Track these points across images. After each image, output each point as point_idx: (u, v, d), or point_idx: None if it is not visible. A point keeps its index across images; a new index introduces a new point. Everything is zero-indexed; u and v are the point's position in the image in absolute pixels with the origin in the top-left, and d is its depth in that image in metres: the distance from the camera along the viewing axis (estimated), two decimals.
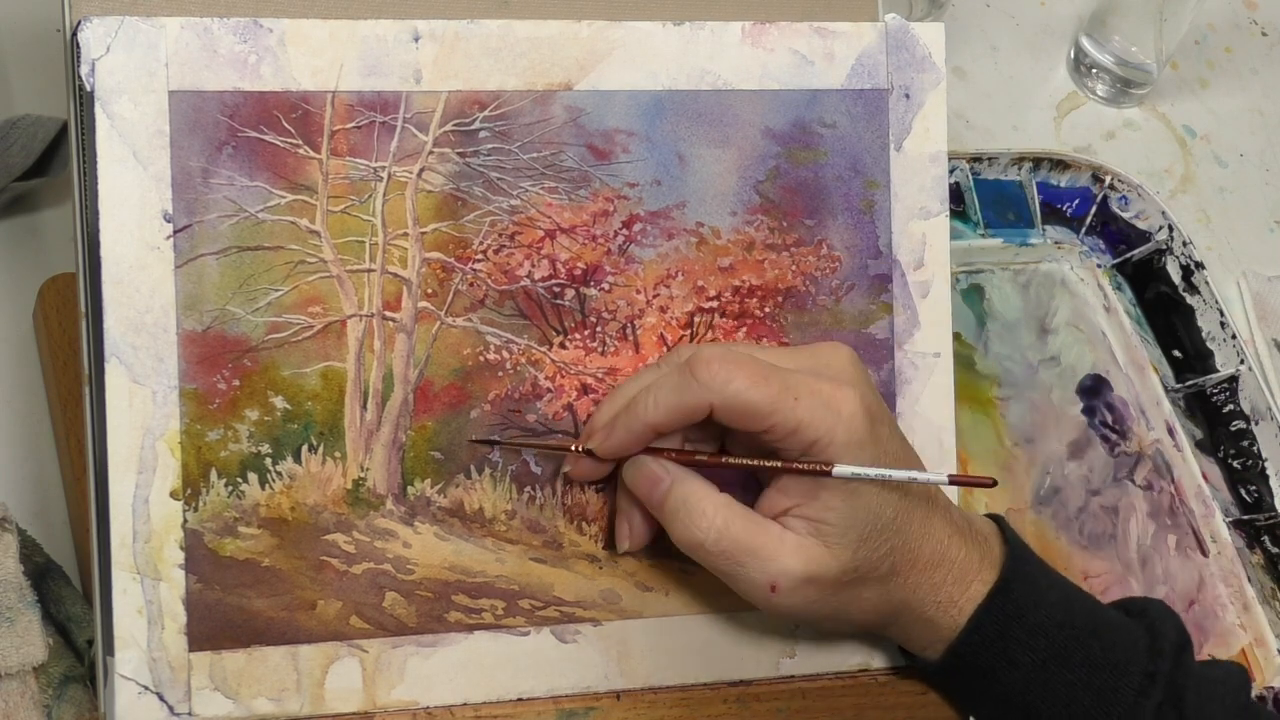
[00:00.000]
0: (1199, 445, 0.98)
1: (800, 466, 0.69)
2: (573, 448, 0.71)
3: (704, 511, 0.69)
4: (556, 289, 0.73)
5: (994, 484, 0.73)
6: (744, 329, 0.75)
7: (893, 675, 0.77)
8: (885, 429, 0.71)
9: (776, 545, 0.69)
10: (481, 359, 0.72)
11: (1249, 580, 0.93)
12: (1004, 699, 0.73)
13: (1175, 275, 1.02)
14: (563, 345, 0.73)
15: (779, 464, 0.69)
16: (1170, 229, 1.02)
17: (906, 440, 0.73)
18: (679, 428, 0.70)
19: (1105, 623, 0.73)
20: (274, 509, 0.69)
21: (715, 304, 0.75)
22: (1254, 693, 0.89)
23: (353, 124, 0.71)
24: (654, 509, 0.71)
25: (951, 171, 1.00)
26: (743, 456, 0.71)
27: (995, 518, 0.76)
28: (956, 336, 0.96)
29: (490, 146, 0.72)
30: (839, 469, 0.68)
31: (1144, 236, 1.03)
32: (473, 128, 0.72)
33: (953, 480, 0.69)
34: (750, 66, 0.76)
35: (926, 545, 0.71)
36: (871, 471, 0.68)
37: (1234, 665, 0.76)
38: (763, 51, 0.76)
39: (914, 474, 0.69)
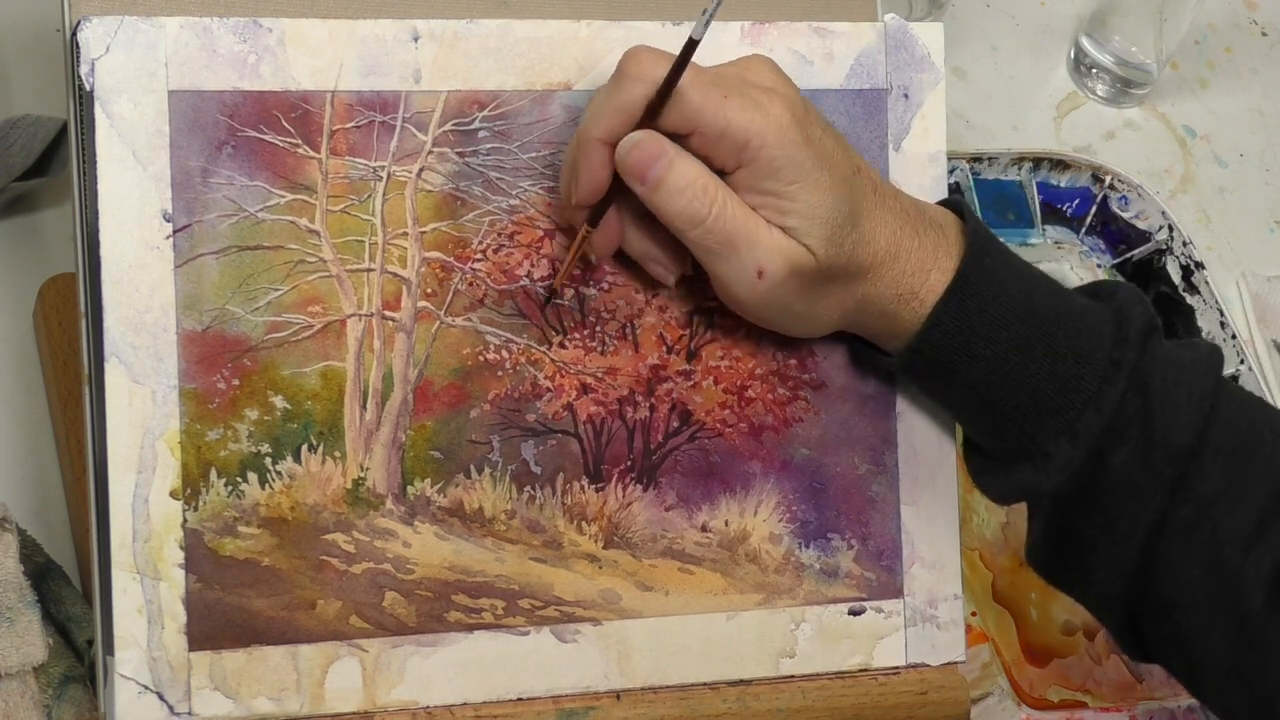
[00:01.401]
0: None
1: (680, 58, 0.67)
2: (585, 229, 0.70)
3: (707, 188, 0.68)
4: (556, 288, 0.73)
5: None
6: (743, 328, 0.75)
7: (893, 675, 0.77)
8: (816, 129, 0.70)
9: (766, 234, 0.69)
10: (481, 358, 0.72)
11: None
12: (967, 389, 0.73)
13: (1175, 275, 1.02)
14: (562, 345, 0.73)
15: (670, 70, 0.67)
16: (1170, 229, 1.02)
17: (841, 136, 0.72)
18: (622, 134, 0.68)
19: (1070, 310, 0.72)
20: (274, 508, 0.69)
21: (714, 303, 0.75)
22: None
23: (352, 123, 0.71)
24: (650, 189, 0.68)
25: (951, 171, 1.00)
26: None
27: (955, 203, 0.75)
28: None
29: (489, 146, 0.73)
30: (696, 29, 0.66)
31: (1144, 236, 1.03)
32: (472, 127, 0.72)
33: None
34: None
35: (880, 237, 0.71)
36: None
37: (1206, 344, 0.74)
38: (762, 51, 0.76)
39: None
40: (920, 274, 0.71)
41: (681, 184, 0.68)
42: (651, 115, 0.68)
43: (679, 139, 0.68)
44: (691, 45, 0.66)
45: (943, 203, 0.76)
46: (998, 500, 0.77)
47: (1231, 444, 0.71)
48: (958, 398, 0.74)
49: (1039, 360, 0.71)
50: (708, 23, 0.66)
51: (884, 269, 0.71)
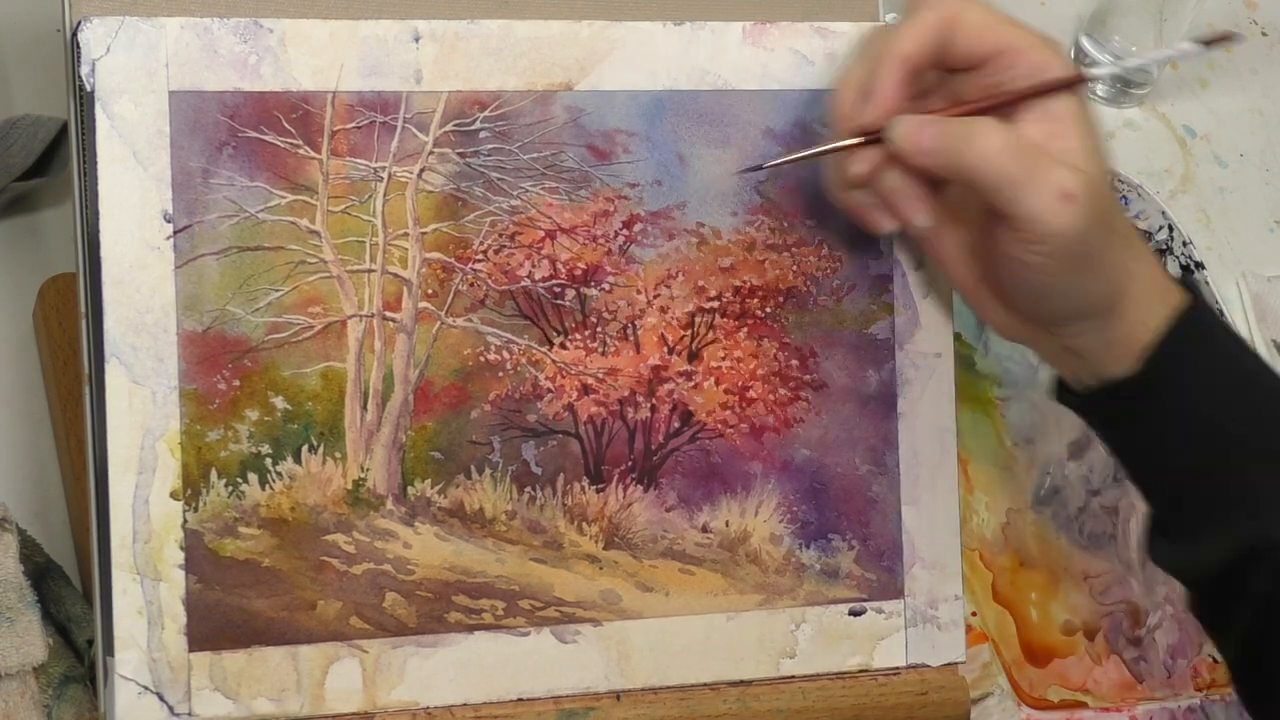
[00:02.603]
0: None
1: (1063, 79, 0.69)
2: (861, 138, 0.70)
3: (989, 125, 0.68)
4: (557, 289, 0.73)
5: (1232, 37, 0.72)
6: (745, 329, 0.75)
7: (893, 676, 0.77)
8: None
9: (1058, 161, 0.68)
10: (482, 359, 0.72)
11: None
12: (1190, 423, 0.70)
13: (1175, 275, 1.02)
14: (563, 345, 0.73)
15: (1064, 76, 0.69)
16: (1170, 229, 1.02)
17: None
18: (924, 57, 0.69)
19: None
20: (274, 509, 0.69)
21: (716, 304, 0.75)
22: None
23: (353, 124, 0.71)
24: (938, 152, 0.68)
25: None
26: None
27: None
28: (957, 337, 0.95)
29: (490, 147, 0.72)
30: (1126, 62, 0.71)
31: (1144, 236, 1.03)
32: (473, 128, 0.72)
33: (1205, 41, 0.69)
34: (751, 66, 0.76)
35: (1130, 249, 0.71)
36: (1131, 63, 0.70)
37: None
38: (763, 51, 0.76)
39: (1170, 53, 0.72)
40: (1161, 272, 0.71)
41: (965, 131, 0.68)
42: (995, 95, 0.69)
43: (974, 69, 0.70)
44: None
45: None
46: (1196, 573, 0.72)
47: None
48: (1173, 434, 0.71)
49: (1267, 392, 0.69)
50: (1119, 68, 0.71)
51: (1140, 248, 0.71)
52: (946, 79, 0.71)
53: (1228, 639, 0.73)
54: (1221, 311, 0.72)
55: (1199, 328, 0.70)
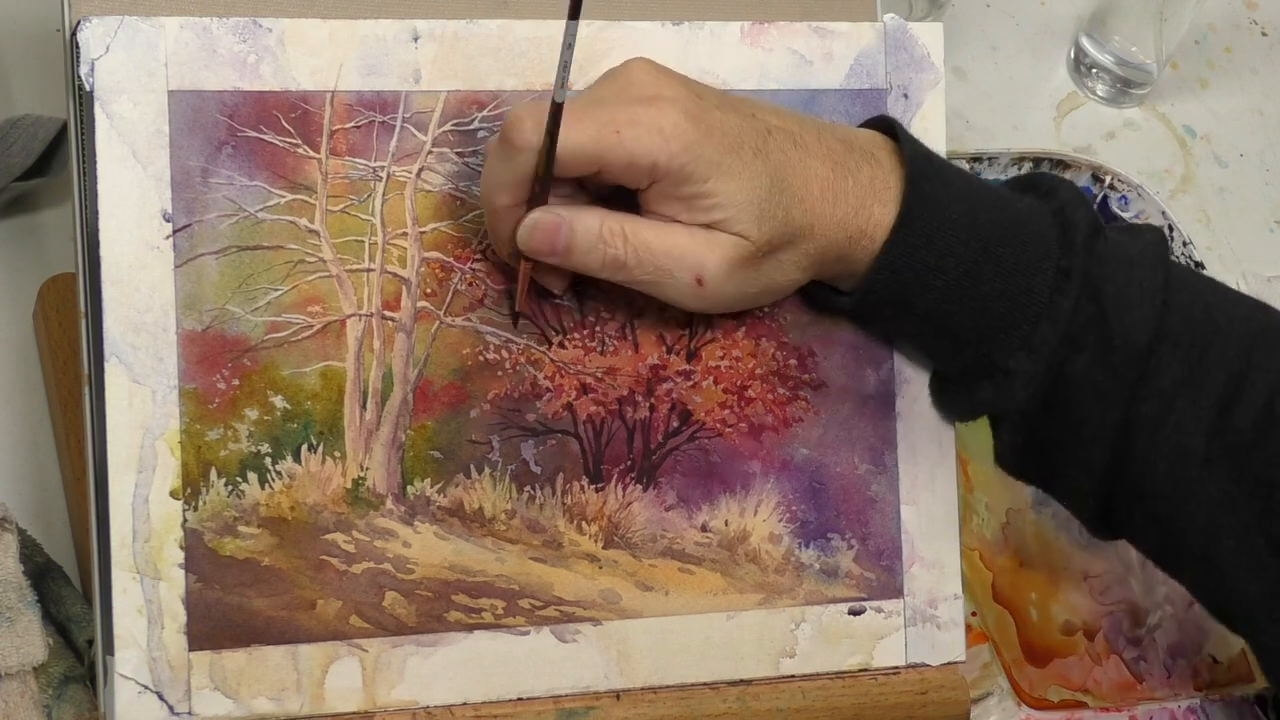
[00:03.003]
0: None
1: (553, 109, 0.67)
2: (527, 266, 0.71)
3: (614, 231, 0.68)
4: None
5: None
6: (743, 328, 0.75)
7: (893, 675, 0.77)
8: (714, 113, 0.69)
9: (687, 242, 0.69)
10: (481, 358, 0.72)
11: None
12: (922, 320, 0.72)
13: None
14: (562, 345, 0.73)
15: (545, 136, 0.67)
16: (1170, 229, 1.02)
17: (743, 101, 0.71)
18: (520, 199, 0.69)
19: (1013, 221, 0.72)
20: (274, 508, 0.69)
21: None
22: (1254, 693, 0.89)
23: (352, 124, 0.71)
24: (564, 256, 0.69)
25: None
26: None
27: (885, 123, 0.74)
28: None
29: None
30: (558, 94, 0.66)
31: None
32: (472, 127, 0.72)
33: None
34: (749, 66, 0.76)
35: (812, 188, 0.70)
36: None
37: (1149, 231, 0.74)
38: (761, 51, 0.76)
39: None
40: (863, 210, 0.71)
41: (590, 241, 0.68)
42: (544, 183, 0.68)
43: (588, 177, 0.69)
44: (557, 110, 0.66)
45: (870, 122, 0.75)
46: (959, 420, 0.78)
47: (1189, 335, 0.72)
48: (913, 329, 0.74)
49: (990, 281, 0.71)
50: (563, 81, 0.66)
51: (825, 218, 0.70)
52: None
53: (995, 442, 0.77)
54: (929, 156, 0.72)
55: (908, 244, 0.70)
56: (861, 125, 0.75)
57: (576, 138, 0.67)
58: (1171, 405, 0.72)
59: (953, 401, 0.76)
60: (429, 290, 0.72)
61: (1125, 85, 1.13)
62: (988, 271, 0.71)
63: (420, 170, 0.72)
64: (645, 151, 0.67)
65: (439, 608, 0.71)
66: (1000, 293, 0.71)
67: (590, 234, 0.68)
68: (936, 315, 0.72)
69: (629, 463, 0.74)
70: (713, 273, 0.69)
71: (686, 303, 0.70)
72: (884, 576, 0.77)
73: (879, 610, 0.77)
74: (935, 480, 0.78)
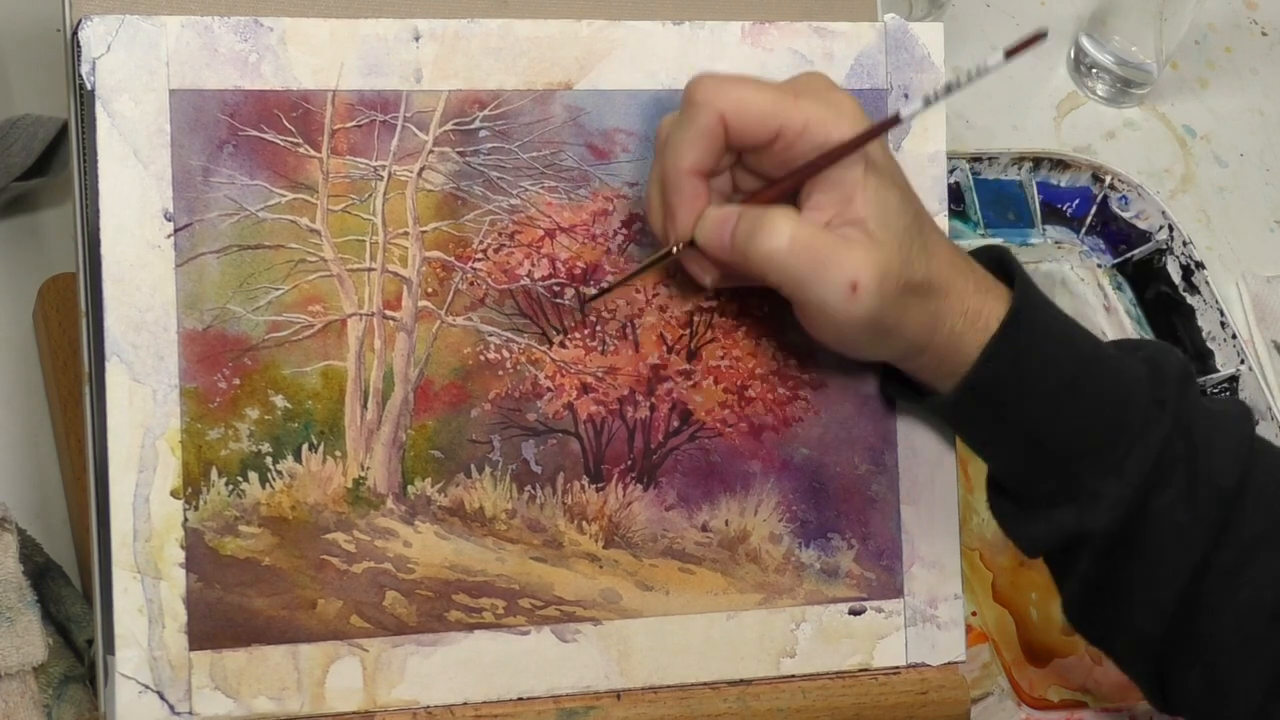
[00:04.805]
0: None
1: (869, 133, 0.69)
2: (672, 249, 0.71)
3: (776, 221, 0.68)
4: (556, 288, 0.73)
5: (1045, 34, 0.68)
6: (743, 328, 0.75)
7: (893, 675, 0.77)
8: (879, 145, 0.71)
9: (846, 247, 0.68)
10: (481, 358, 0.72)
11: None
12: (1015, 428, 0.72)
13: (1175, 275, 1.02)
14: (562, 344, 0.73)
15: (845, 141, 0.69)
16: (1170, 229, 1.02)
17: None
18: (710, 160, 0.69)
19: (1108, 355, 0.73)
20: (274, 508, 0.69)
21: (714, 303, 0.75)
22: None
23: (353, 123, 0.71)
24: (732, 249, 0.69)
25: (951, 171, 1.00)
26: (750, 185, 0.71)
27: (994, 249, 0.75)
28: None
29: (490, 146, 0.73)
30: (905, 110, 0.70)
31: (1144, 236, 1.03)
32: (473, 127, 0.72)
33: (1008, 52, 0.67)
34: (750, 66, 0.76)
35: (941, 253, 0.71)
36: (934, 93, 0.69)
37: (1236, 401, 0.76)
38: (762, 51, 0.76)
39: (971, 69, 0.69)
40: (980, 295, 0.71)
41: (751, 228, 0.68)
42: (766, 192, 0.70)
43: (763, 149, 0.69)
44: (891, 122, 0.69)
45: (977, 252, 0.76)
46: (1032, 548, 0.76)
47: (1273, 488, 0.72)
48: (1004, 437, 0.74)
49: (1087, 399, 0.71)
50: (928, 102, 0.70)
51: (954, 284, 0.71)
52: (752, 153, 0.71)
53: (1061, 591, 0.78)
54: (1048, 303, 0.73)
55: (1016, 343, 0.71)
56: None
57: (755, 96, 0.68)
58: (1252, 558, 0.72)
59: (1029, 525, 0.75)
60: (430, 290, 0.72)
61: (1125, 85, 1.13)
62: (1086, 390, 0.71)
63: (421, 169, 0.72)
64: (822, 118, 0.68)
65: (439, 607, 0.71)
66: (1096, 411, 0.72)
67: (755, 222, 0.68)
68: (1030, 425, 0.72)
69: (629, 462, 0.74)
70: (867, 281, 0.68)
71: (833, 310, 0.69)
72: (884, 576, 0.77)
73: (879, 610, 0.77)
74: (935, 480, 0.78)
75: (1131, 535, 0.72)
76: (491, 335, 0.72)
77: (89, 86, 0.67)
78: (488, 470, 0.72)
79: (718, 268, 0.71)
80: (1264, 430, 0.96)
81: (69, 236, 0.70)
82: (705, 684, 0.75)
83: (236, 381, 0.69)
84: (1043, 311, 0.72)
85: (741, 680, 0.75)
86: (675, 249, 0.71)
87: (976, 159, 1.02)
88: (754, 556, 0.75)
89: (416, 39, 0.72)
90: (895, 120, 0.69)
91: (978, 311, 0.71)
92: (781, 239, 0.68)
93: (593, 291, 0.73)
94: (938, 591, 0.78)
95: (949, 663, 0.78)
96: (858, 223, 0.69)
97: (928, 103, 0.70)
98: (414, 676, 0.71)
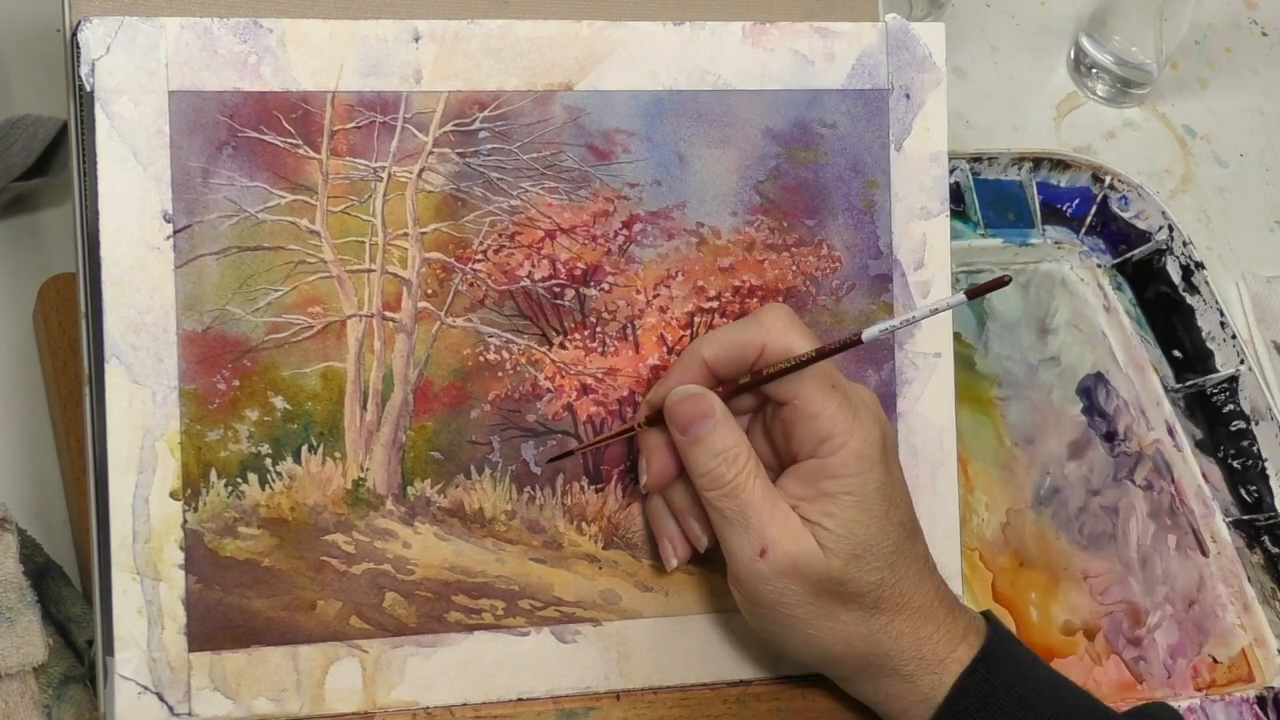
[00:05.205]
0: (1199, 445, 0.98)
1: (831, 347, 0.69)
2: (636, 424, 0.72)
3: (739, 456, 0.69)
4: (556, 289, 0.73)
5: (1009, 281, 0.69)
6: None
7: None
8: (897, 468, 0.71)
9: (783, 519, 0.69)
10: (481, 359, 0.72)
11: (1249, 580, 0.93)
12: None
13: (1175, 275, 1.02)
14: (563, 345, 0.73)
15: (813, 352, 0.69)
16: (1170, 229, 1.02)
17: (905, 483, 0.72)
18: (728, 367, 0.70)
19: (1103, 713, 0.72)
20: (274, 509, 0.69)
21: (715, 304, 0.75)
22: (1254, 693, 0.89)
23: (353, 124, 0.71)
24: (690, 440, 0.70)
25: (951, 171, 0.99)
26: (760, 451, 0.71)
27: (984, 613, 0.74)
28: (956, 336, 0.96)
29: (490, 147, 0.72)
30: (867, 333, 0.69)
31: (1144, 236, 1.03)
32: (473, 128, 0.72)
33: (970, 293, 0.67)
34: (750, 66, 0.76)
35: (918, 595, 0.70)
36: (896, 321, 0.70)
37: None
38: (763, 51, 0.76)
39: (933, 305, 0.69)
40: (950, 643, 0.71)
41: (719, 447, 0.69)
42: (757, 375, 0.70)
43: (770, 406, 0.71)
44: (852, 342, 0.69)
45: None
46: None
47: None
48: None
49: None
50: (883, 331, 0.70)
51: (914, 624, 0.70)
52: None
53: None
54: (1015, 643, 0.73)
55: (988, 683, 0.70)
56: None
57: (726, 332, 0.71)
58: None
59: None
60: (430, 291, 0.72)
61: (1125, 85, 1.13)
62: None
63: (421, 171, 0.72)
64: (835, 420, 0.69)
65: (439, 608, 0.71)
66: None
67: (724, 442, 0.69)
68: None
69: (629, 463, 0.74)
70: (777, 557, 0.68)
71: (735, 561, 0.69)
72: None
73: None
74: (935, 480, 0.78)
75: None
76: (491, 336, 0.72)
77: (88, 88, 0.67)
78: (487, 471, 0.72)
79: (666, 471, 0.72)
80: (1264, 431, 0.96)
81: (69, 237, 0.70)
82: (705, 685, 0.75)
83: (236, 383, 0.69)
84: (1022, 657, 0.71)
85: (741, 681, 0.75)
86: (638, 425, 0.72)
87: (976, 159, 1.02)
88: None
89: (416, 40, 0.72)
90: (855, 341, 0.69)
91: (946, 653, 0.70)
92: (733, 475, 0.69)
93: (555, 454, 0.73)
94: None
95: None
96: (814, 523, 0.69)
97: (884, 334, 0.70)
98: (413, 677, 0.71)
